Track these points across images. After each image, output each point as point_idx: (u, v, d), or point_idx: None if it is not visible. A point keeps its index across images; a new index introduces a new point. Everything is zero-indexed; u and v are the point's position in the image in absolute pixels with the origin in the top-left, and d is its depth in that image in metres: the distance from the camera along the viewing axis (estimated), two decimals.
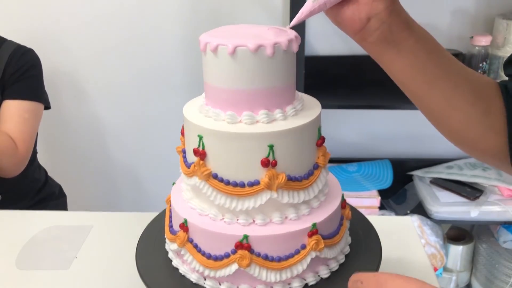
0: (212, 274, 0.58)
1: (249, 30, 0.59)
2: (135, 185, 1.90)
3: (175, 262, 0.64)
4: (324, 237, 0.58)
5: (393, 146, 1.76)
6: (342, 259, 0.63)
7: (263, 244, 0.56)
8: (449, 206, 1.54)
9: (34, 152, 1.34)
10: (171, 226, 0.64)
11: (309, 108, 0.61)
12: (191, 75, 1.68)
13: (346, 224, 0.66)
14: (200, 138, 0.56)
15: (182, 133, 0.64)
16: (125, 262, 0.71)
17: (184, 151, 0.63)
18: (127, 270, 0.70)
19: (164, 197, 0.68)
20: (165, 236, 0.66)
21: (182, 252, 0.60)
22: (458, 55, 1.50)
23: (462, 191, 1.56)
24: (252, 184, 0.55)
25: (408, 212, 1.58)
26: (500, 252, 1.63)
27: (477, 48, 1.50)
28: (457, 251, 1.69)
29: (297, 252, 0.57)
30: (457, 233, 1.75)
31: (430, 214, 1.55)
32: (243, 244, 0.55)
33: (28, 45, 1.28)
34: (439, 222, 1.61)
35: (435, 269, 1.57)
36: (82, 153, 1.84)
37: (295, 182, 0.57)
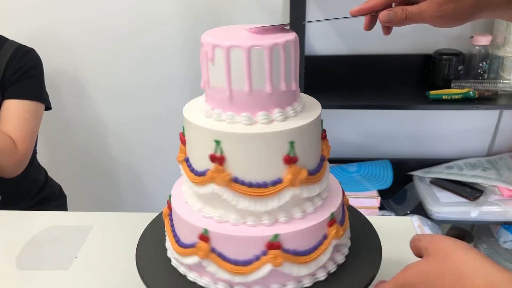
0: (242, 279, 0.57)
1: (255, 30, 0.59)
2: (135, 185, 1.90)
3: (192, 276, 0.61)
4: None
5: (393, 146, 1.76)
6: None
7: (292, 241, 0.56)
8: (449, 206, 1.54)
9: (34, 152, 1.34)
10: (178, 240, 0.62)
11: (310, 103, 0.62)
12: (191, 75, 1.68)
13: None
14: (218, 143, 0.55)
15: (182, 142, 0.62)
16: (125, 262, 0.71)
17: (187, 160, 0.61)
18: (127, 270, 0.70)
19: (165, 197, 0.67)
20: (172, 254, 0.64)
21: (204, 264, 0.58)
22: (458, 54, 1.50)
23: (462, 191, 1.56)
24: (275, 183, 0.55)
25: (408, 212, 1.58)
26: (500, 252, 1.63)
27: (477, 47, 1.49)
28: None
29: (320, 243, 0.59)
30: (457, 233, 1.75)
31: (430, 214, 1.55)
32: (274, 244, 0.55)
33: (29, 45, 1.27)
34: (439, 222, 1.61)
35: None
36: (82, 153, 1.84)
37: (311, 176, 0.58)
